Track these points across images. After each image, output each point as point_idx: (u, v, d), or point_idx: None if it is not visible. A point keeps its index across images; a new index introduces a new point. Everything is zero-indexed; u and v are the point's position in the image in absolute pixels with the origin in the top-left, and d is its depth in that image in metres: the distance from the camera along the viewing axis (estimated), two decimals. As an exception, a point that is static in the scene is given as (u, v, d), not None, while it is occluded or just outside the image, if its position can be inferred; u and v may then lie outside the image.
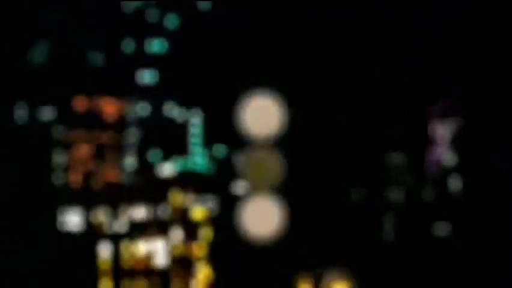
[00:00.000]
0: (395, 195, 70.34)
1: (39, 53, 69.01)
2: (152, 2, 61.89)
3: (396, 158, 70.78)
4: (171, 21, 62.51)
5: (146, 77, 62.30)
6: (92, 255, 63.62)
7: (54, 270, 61.66)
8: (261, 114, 7.26)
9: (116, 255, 53.31)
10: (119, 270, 52.56)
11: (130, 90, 63.02)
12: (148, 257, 55.47)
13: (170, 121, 62.81)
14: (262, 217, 7.25)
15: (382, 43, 76.82)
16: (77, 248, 65.49)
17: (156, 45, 62.25)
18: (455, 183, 71.23)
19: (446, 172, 71.36)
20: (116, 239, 55.89)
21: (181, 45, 62.47)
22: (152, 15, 62.91)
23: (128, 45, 64.37)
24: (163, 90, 63.04)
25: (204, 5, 61.57)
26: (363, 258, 64.59)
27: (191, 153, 60.71)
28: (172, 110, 62.50)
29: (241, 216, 7.10)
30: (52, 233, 65.06)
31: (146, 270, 54.56)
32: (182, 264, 51.37)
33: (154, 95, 63.41)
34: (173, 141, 61.73)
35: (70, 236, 66.38)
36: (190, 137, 61.08)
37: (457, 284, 62.32)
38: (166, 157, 60.19)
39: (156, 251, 55.93)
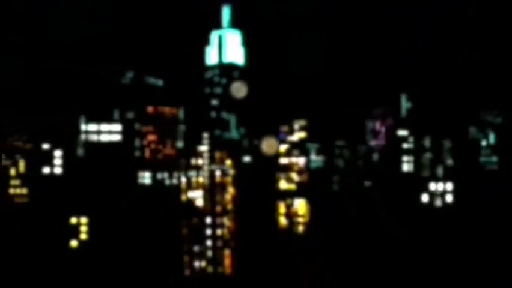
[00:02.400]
0: (339, 163, 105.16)
1: (126, 78, 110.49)
2: (216, 73, 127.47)
3: (340, 142, 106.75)
4: (223, 81, 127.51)
5: (214, 102, 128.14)
6: (158, 198, 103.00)
7: (132, 205, 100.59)
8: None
9: (189, 183, 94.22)
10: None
11: (206, 107, 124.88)
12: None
13: (223, 118, 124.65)
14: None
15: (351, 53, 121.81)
16: (147, 194, 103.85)
17: (218, 90, 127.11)
18: (375, 157, 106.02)
19: (370, 150, 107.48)
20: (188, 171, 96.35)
21: (228, 90, 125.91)
22: (216, 78, 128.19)
23: (207, 89, 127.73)
24: (220, 107, 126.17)
25: (235, 75, 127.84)
26: (319, 199, 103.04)
27: (231, 131, 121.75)
28: (223, 114, 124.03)
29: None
30: (133, 185, 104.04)
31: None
32: (220, 186, 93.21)
33: (217, 108, 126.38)
34: (224, 126, 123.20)
35: (143, 187, 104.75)
36: (230, 124, 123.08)
37: (375, 213, 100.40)
38: (222, 131, 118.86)
39: (197, 196, 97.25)
